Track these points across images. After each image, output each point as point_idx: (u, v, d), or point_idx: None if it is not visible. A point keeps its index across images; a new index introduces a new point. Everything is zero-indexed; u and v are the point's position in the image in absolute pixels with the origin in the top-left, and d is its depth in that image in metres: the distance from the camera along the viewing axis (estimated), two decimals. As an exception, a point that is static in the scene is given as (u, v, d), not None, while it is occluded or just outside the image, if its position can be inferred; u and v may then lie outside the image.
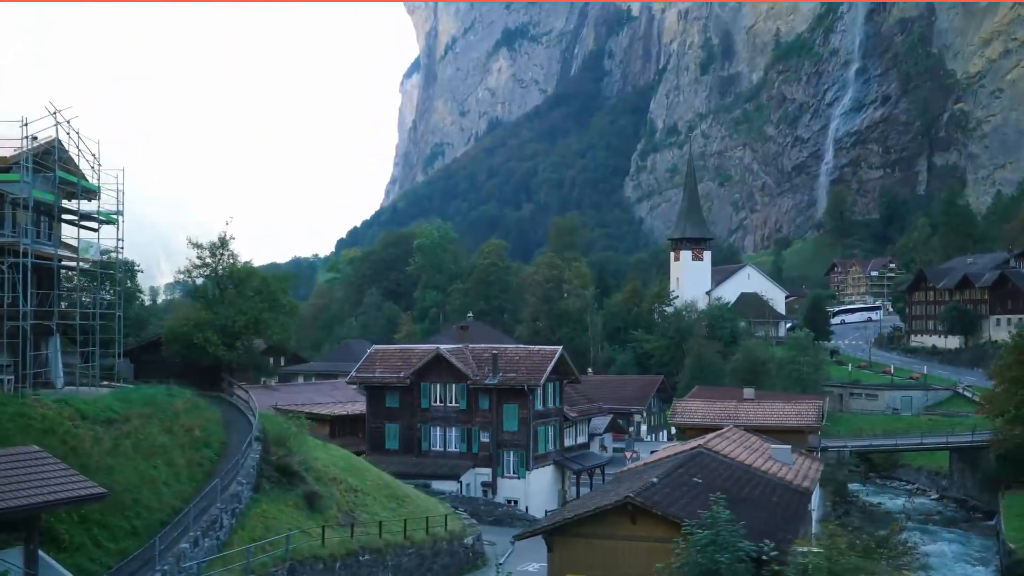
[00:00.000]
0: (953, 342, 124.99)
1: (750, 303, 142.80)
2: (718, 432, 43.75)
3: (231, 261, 48.87)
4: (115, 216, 38.72)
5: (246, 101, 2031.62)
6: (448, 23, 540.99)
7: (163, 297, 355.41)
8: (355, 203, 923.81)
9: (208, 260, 48.68)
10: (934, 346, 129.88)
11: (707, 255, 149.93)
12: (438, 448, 58.24)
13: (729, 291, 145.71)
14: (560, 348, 60.02)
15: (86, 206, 38.37)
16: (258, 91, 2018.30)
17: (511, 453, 56.71)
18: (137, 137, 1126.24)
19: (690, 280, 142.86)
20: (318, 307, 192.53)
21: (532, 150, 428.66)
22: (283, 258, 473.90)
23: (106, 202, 38.79)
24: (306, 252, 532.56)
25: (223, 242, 48.89)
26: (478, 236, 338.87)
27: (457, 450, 57.79)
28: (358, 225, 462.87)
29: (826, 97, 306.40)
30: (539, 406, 57.22)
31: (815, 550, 26.18)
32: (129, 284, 54.57)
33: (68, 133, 36.54)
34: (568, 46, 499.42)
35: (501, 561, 36.80)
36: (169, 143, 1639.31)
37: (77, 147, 36.75)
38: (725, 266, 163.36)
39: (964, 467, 78.18)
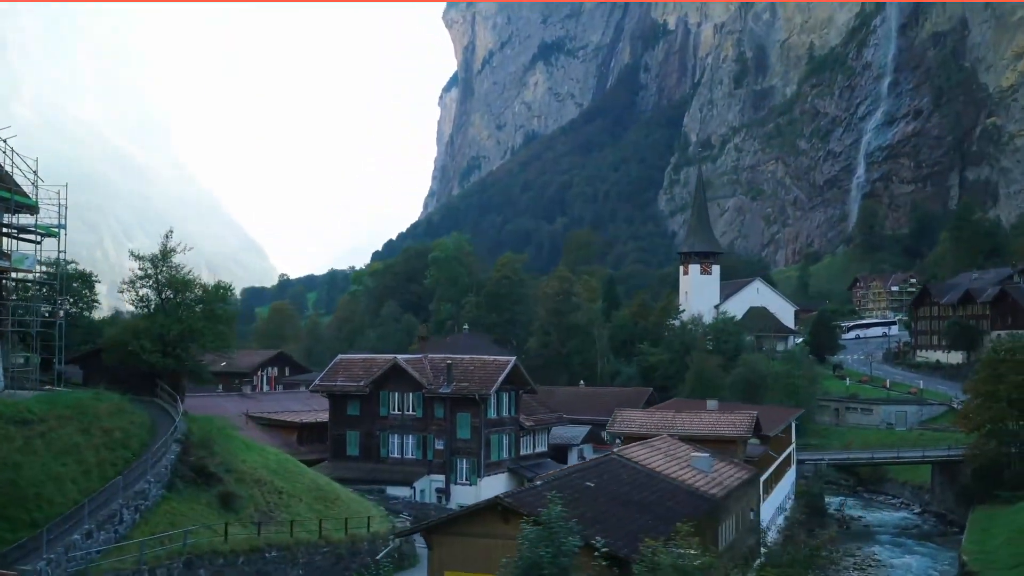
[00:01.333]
0: (956, 357, 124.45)
1: (758, 317, 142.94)
2: (646, 440, 44.75)
3: (171, 273, 50.70)
4: (56, 230, 40.69)
5: (289, 118, 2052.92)
6: (485, 37, 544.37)
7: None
8: (396, 216, 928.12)
9: (150, 271, 50.57)
10: (938, 361, 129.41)
11: (715, 269, 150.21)
12: (396, 455, 59.79)
13: (738, 305, 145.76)
14: (513, 359, 61.35)
15: (25, 220, 40.36)
16: (302, 108, 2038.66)
17: (464, 460, 58.11)
18: (186, 155, 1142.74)
19: (698, 294, 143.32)
20: (341, 319, 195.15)
21: (567, 163, 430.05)
22: (321, 270, 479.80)
23: (49, 216, 40.73)
24: (345, 264, 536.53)
25: (164, 254, 50.79)
26: (512, 249, 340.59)
27: (414, 457, 59.28)
28: (393, 238, 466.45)
29: (858, 111, 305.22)
30: (492, 415, 58.54)
31: (663, 549, 27.15)
32: (87, 294, 56.69)
33: (4, 152, 38.55)
34: (604, 60, 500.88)
35: (379, 556, 37.98)
36: (220, 161, 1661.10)
37: (12, 164, 38.75)
38: (735, 280, 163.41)
39: (944, 481, 78.38)
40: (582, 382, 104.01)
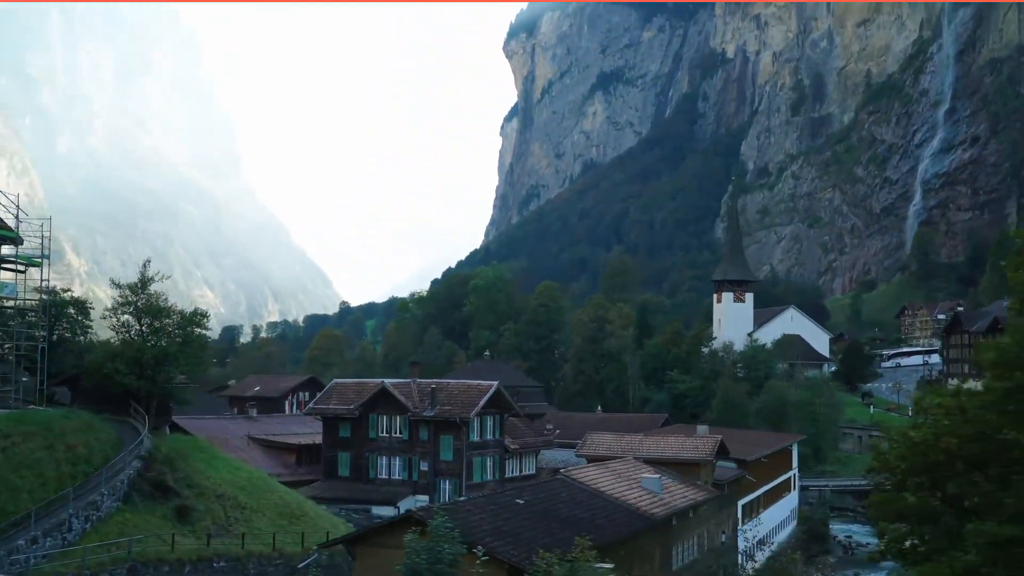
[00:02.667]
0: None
1: (791, 345, 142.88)
2: (604, 462, 46.19)
3: (147, 300, 53.52)
4: (38, 260, 43.67)
5: (358, 149, 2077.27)
6: (545, 67, 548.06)
7: (256, 335, 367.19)
8: (458, 245, 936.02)
9: (130, 298, 53.46)
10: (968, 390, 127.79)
11: (749, 297, 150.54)
12: (384, 476, 61.82)
13: (771, 333, 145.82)
14: (496, 384, 63.12)
15: (7, 250, 43.35)
16: (370, 139, 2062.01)
17: (447, 481, 59.92)
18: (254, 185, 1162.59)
19: (731, 321, 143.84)
20: (389, 346, 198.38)
21: (624, 192, 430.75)
22: (383, 298, 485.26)
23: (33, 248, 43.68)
24: (406, 292, 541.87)
25: (143, 283, 53.68)
26: (567, 277, 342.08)
27: (400, 478, 61.25)
28: (452, 266, 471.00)
29: (915, 138, 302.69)
30: (475, 438, 60.34)
31: (558, 560, 28.59)
32: (81, 319, 59.84)
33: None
34: (663, 89, 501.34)
35: (300, 565, 39.80)
36: (288, 190, 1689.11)
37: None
38: (770, 308, 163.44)
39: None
40: (599, 408, 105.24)
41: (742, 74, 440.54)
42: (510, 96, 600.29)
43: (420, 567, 26.59)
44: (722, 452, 53.31)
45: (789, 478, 73.69)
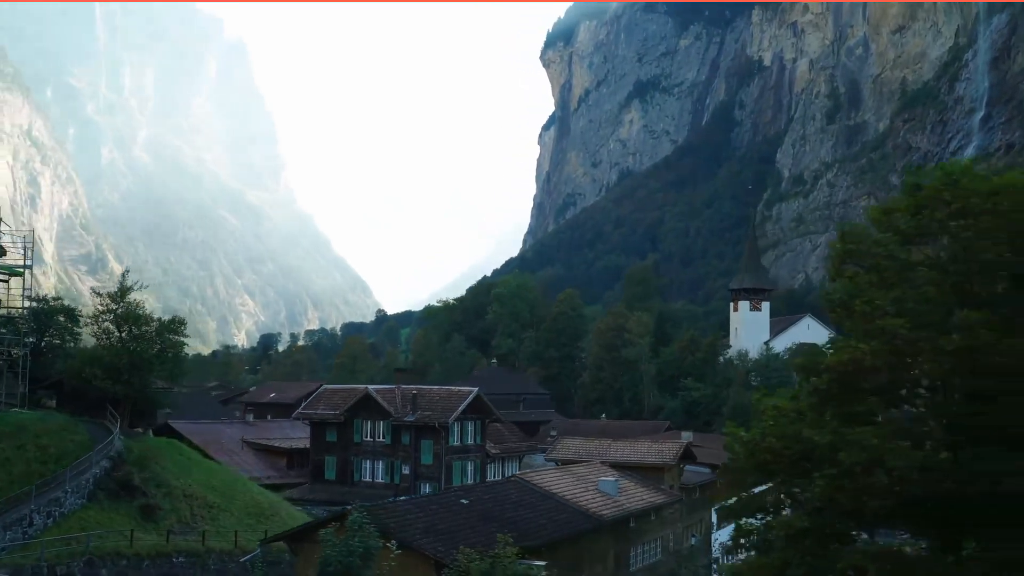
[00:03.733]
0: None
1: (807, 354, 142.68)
2: (568, 466, 47.49)
3: (127, 309, 55.73)
4: (20, 270, 45.82)
5: (399, 158, 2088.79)
6: (581, 76, 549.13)
7: (294, 342, 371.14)
8: (497, 253, 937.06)
9: (111, 307, 55.72)
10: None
11: (765, 306, 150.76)
12: (368, 479, 63.71)
13: (788, 341, 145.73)
14: (476, 390, 64.73)
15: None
16: (411, 149, 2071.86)
17: (427, 485, 61.51)
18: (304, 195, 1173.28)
19: (748, 330, 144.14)
20: (416, 353, 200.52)
21: (659, 200, 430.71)
22: (420, 306, 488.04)
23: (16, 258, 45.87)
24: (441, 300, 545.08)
25: (122, 292, 55.96)
26: (602, 285, 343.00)
27: (383, 481, 63.08)
28: (488, 274, 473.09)
29: (950, 146, 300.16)
30: (455, 442, 62.03)
31: (476, 555, 30.09)
32: (71, 326, 62.18)
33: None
34: (699, 97, 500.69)
35: (243, 559, 41.37)
36: (329, 200, 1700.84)
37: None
38: (787, 316, 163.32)
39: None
40: (603, 415, 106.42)
41: (779, 82, 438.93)
42: (549, 105, 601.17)
43: (331, 559, 28.16)
44: (689, 457, 54.32)
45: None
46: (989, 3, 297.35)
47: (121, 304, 55.88)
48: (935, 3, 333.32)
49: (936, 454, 24.04)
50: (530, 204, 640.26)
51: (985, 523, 23.89)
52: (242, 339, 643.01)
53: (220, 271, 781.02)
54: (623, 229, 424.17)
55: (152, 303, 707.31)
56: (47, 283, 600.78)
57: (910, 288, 25.48)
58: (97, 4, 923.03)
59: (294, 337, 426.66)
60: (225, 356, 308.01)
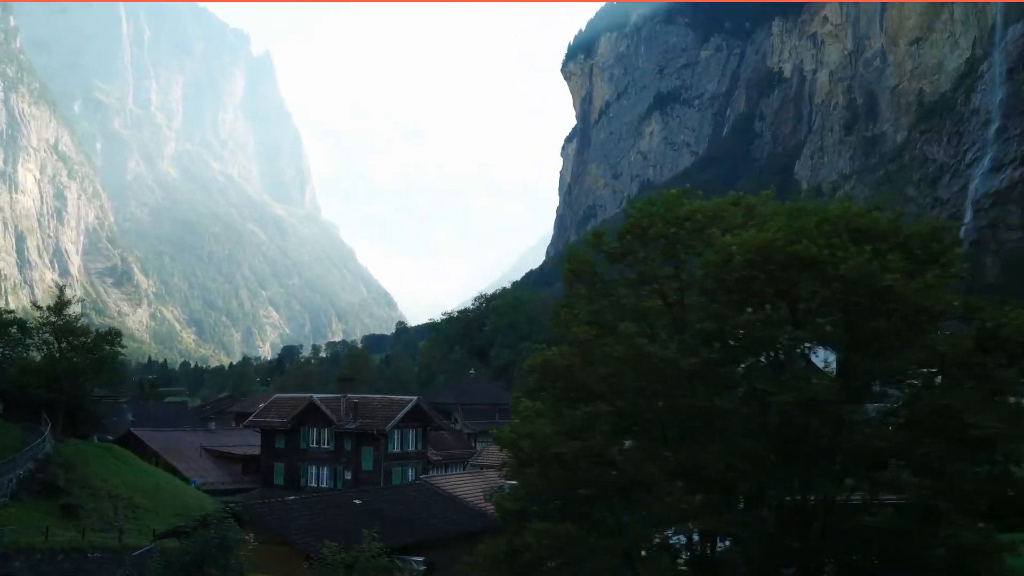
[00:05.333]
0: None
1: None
2: (479, 471, 48.82)
3: (65, 322, 58.07)
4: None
5: (422, 171, 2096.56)
6: (602, 89, 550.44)
7: (316, 354, 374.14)
8: (521, 266, 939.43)
9: (51, 319, 58.06)
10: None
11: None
12: (313, 484, 65.47)
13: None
14: (415, 399, 66.48)
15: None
16: (435, 161, 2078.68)
17: (368, 490, 63.19)
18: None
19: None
20: (422, 364, 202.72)
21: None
22: (439, 319, 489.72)
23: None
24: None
25: (60, 306, 58.34)
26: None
27: (327, 486, 64.73)
28: (507, 286, 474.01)
29: (966, 157, 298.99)
30: (395, 449, 63.57)
31: (338, 548, 31.71)
32: (23, 338, 64.39)
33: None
34: (720, 108, 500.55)
35: (135, 554, 42.95)
36: (354, 213, 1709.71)
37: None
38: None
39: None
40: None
41: (799, 93, 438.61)
42: (573, 117, 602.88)
43: (188, 548, 29.89)
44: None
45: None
46: (1005, 13, 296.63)
47: (59, 317, 58.23)
48: (953, 14, 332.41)
49: (607, 445, 27.81)
50: (554, 216, 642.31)
51: (632, 505, 28.00)
52: (266, 351, 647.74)
53: (245, 283, 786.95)
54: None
55: (178, 314, 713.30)
56: (73, 295, 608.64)
57: (609, 301, 29.76)
58: (124, 20, 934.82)
59: (316, 349, 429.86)
60: (241, 367, 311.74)
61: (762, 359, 28.08)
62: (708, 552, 27.07)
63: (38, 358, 59.57)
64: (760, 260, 25.41)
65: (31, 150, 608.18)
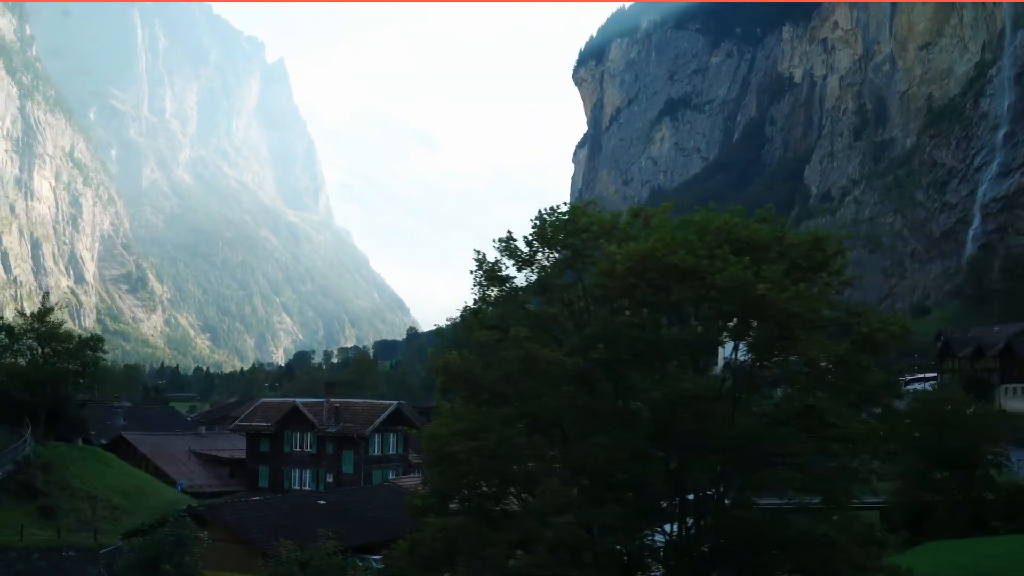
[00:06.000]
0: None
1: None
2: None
3: (48, 328, 59.90)
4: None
5: (436, 177, 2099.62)
6: (613, 95, 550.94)
7: (328, 361, 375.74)
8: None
9: (35, 325, 59.92)
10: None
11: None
12: (296, 487, 66.85)
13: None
14: (396, 403, 67.65)
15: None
16: (449, 167, 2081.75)
17: (349, 492, 64.60)
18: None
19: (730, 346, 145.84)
20: (428, 369, 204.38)
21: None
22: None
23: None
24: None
25: (43, 312, 60.27)
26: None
27: (310, 488, 66.04)
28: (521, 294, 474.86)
29: (975, 162, 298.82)
30: (376, 452, 64.89)
31: (293, 546, 33.10)
32: (9, 343, 66.30)
33: None
34: (730, 114, 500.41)
35: (102, 551, 44.45)
36: (367, 220, 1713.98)
37: None
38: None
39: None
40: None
41: (809, 98, 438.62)
42: (584, 124, 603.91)
43: (145, 545, 31.34)
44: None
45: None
46: (1014, 18, 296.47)
47: (42, 324, 60.15)
48: (962, 19, 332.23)
49: (501, 444, 29.53)
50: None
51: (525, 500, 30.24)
52: (280, 356, 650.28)
53: (259, 290, 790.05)
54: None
55: (192, 320, 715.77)
56: (88, 301, 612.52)
57: (514, 306, 32.57)
58: (140, 28, 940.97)
59: (328, 355, 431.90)
60: (251, 373, 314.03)
61: (650, 360, 29.74)
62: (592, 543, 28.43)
63: (23, 363, 61.39)
64: (641, 269, 27.04)
65: (47, 157, 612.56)
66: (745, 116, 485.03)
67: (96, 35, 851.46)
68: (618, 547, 28.58)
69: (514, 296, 32.58)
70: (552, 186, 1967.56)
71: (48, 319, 61.13)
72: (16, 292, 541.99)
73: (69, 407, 62.09)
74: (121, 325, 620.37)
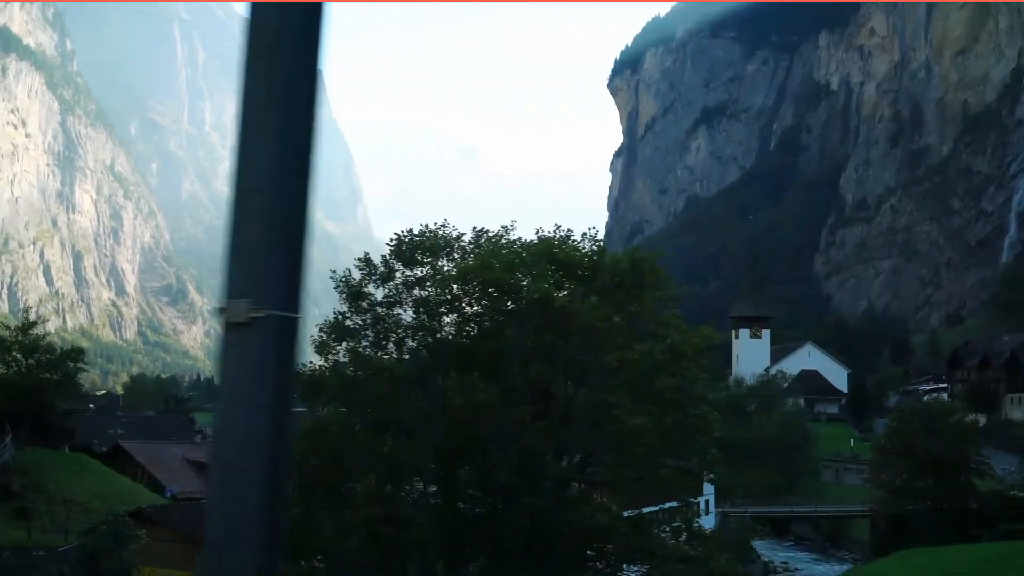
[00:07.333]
0: (980, 420, 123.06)
1: (808, 380, 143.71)
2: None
3: (31, 340, 62.13)
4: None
5: (472, 189, 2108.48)
6: (648, 104, 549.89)
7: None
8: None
9: (20, 337, 62.20)
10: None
11: (766, 333, 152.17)
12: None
13: (789, 368, 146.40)
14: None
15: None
16: (485, 181, 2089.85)
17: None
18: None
19: (748, 357, 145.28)
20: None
21: (724, 226, 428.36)
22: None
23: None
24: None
25: (27, 326, 62.67)
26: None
27: (297, 495, 66.78)
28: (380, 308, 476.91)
29: (1010, 169, 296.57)
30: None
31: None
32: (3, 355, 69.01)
33: None
34: (767, 122, 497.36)
35: (60, 549, 45.36)
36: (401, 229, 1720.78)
37: None
38: (787, 344, 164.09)
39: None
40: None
41: (846, 106, 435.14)
42: (620, 133, 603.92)
43: (86, 544, 32.28)
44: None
45: (696, 503, 77.67)
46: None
47: (26, 336, 62.88)
48: (998, 25, 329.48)
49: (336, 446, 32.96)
50: (603, 233, 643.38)
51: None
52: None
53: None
54: (686, 256, 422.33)
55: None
56: (129, 313, 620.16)
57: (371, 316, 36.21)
58: (179, 42, 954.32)
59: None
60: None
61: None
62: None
63: (5, 373, 63.84)
64: (462, 284, 31.46)
65: (88, 171, 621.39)
66: (781, 124, 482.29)
67: (136, 49, 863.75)
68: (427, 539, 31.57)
69: (371, 310, 35.85)
70: (589, 196, 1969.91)
71: (31, 332, 63.82)
72: (58, 304, 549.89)
73: (52, 415, 64.08)
74: (162, 336, 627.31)
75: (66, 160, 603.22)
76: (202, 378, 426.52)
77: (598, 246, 34.81)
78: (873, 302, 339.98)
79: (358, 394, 33.20)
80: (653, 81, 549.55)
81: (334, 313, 36.28)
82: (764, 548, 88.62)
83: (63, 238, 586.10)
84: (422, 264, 34.61)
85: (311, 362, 35.52)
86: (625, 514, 34.20)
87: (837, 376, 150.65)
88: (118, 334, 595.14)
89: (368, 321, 35.28)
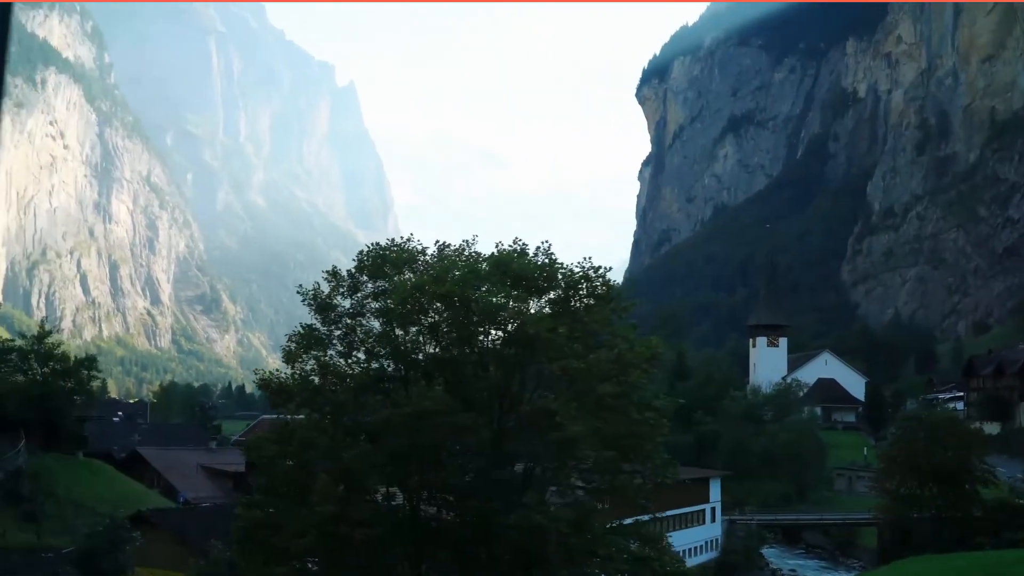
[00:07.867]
0: (994, 428, 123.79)
1: (825, 389, 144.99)
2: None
3: (46, 349, 65.22)
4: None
5: (501, 194, 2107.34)
6: (676, 113, 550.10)
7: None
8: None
9: (35, 346, 65.34)
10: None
11: (783, 341, 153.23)
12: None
13: (806, 377, 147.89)
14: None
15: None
16: (514, 190, 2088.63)
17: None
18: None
19: (765, 365, 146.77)
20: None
21: (752, 235, 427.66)
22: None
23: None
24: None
25: (40, 336, 65.63)
26: (690, 322, 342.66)
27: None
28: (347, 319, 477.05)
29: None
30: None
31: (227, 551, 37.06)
32: (20, 363, 71.76)
33: None
34: (794, 130, 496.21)
35: (66, 549, 48.47)
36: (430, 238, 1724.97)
37: None
38: (805, 352, 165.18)
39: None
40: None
41: (873, 113, 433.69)
42: (648, 142, 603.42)
43: (83, 543, 35.49)
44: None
45: (701, 510, 78.67)
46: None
47: (40, 345, 65.81)
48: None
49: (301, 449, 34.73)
50: (631, 241, 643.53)
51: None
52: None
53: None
54: (713, 264, 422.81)
55: (264, 340, 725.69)
56: (164, 322, 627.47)
57: (339, 326, 37.59)
58: (215, 55, 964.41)
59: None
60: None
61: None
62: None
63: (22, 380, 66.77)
64: (417, 296, 32.68)
65: (124, 182, 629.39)
66: (809, 132, 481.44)
67: (173, 62, 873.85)
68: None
69: (340, 320, 37.21)
70: (617, 205, 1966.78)
71: (45, 341, 66.57)
72: (95, 313, 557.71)
73: (66, 422, 67.08)
74: (195, 345, 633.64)
75: (103, 171, 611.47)
76: (234, 387, 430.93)
77: (551, 258, 35.78)
78: (900, 310, 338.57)
79: (322, 400, 35.28)
80: (681, 90, 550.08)
81: (299, 325, 37.95)
82: (774, 555, 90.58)
83: (100, 248, 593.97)
84: (387, 277, 36.23)
85: (277, 370, 37.79)
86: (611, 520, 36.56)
87: (855, 384, 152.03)
88: (153, 343, 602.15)
89: (339, 331, 37.06)
